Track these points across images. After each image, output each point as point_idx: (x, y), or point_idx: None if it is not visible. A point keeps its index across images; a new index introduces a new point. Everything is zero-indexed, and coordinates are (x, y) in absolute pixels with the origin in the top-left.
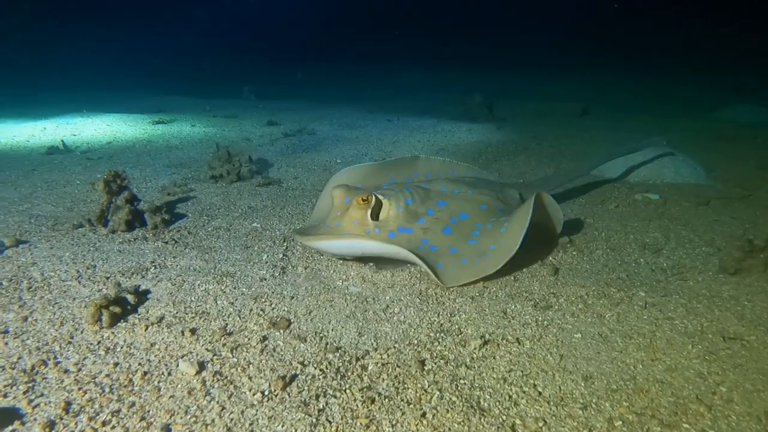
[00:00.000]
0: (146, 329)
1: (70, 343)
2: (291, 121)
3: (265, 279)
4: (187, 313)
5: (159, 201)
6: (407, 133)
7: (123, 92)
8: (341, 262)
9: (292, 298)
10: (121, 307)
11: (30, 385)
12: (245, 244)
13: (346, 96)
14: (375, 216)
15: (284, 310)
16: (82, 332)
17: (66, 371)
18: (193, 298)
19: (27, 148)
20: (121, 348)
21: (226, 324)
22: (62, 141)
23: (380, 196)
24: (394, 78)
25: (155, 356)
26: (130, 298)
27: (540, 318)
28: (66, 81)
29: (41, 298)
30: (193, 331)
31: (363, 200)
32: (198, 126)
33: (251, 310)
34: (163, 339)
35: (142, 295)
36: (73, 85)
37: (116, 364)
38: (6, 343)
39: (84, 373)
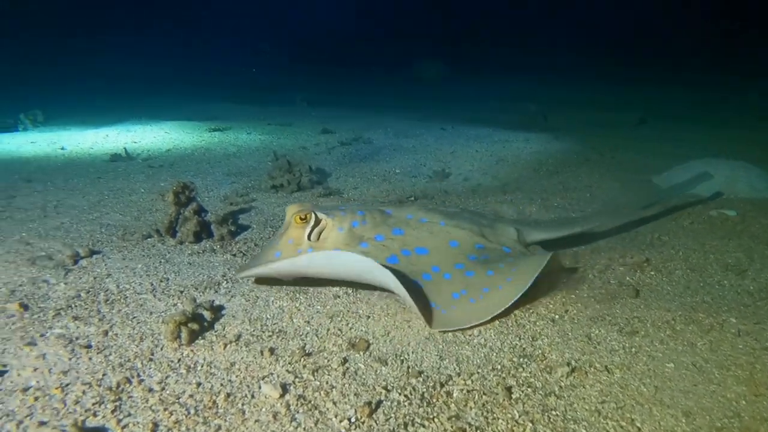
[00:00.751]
0: (225, 347)
1: (151, 360)
2: (345, 129)
3: (339, 296)
4: (264, 332)
5: (223, 211)
6: (464, 143)
7: (177, 100)
8: None
9: (368, 317)
10: (199, 323)
11: (117, 403)
12: None
13: (395, 104)
14: (317, 236)
15: (362, 331)
16: (162, 349)
17: (150, 390)
18: (268, 316)
19: (91, 156)
20: (202, 367)
21: (305, 344)
22: (124, 149)
23: (322, 215)
24: (440, 86)
25: (236, 377)
26: (207, 314)
27: (627, 344)
28: (121, 90)
29: (119, 311)
30: (272, 351)
31: (301, 219)
32: (254, 134)
33: (328, 329)
34: (242, 359)
35: (217, 311)
36: (129, 94)
37: (198, 384)
38: (90, 359)
39: (168, 392)
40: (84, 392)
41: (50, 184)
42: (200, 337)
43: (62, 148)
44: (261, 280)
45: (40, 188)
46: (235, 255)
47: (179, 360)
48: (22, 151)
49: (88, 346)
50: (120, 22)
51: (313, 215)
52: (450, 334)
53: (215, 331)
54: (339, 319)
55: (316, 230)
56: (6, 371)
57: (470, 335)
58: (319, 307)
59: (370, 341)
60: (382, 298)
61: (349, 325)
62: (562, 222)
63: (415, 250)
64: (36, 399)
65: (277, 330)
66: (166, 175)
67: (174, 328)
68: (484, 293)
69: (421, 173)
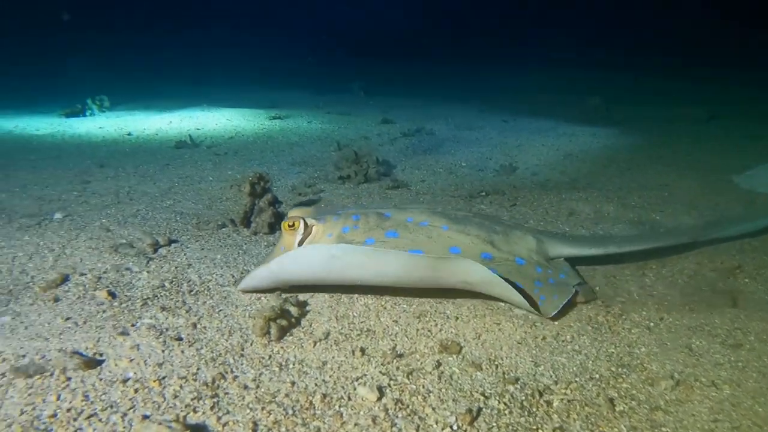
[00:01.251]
0: (314, 345)
1: (242, 355)
2: (405, 119)
3: (424, 295)
4: (352, 330)
5: (293, 201)
6: (528, 136)
7: (237, 88)
8: None
9: (457, 318)
10: (287, 319)
11: (215, 400)
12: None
13: (451, 95)
14: (309, 243)
15: (452, 333)
16: (251, 344)
17: (245, 387)
18: (354, 314)
19: (157, 141)
20: (294, 365)
21: (395, 344)
22: (189, 135)
23: (311, 221)
24: (498, 77)
25: (330, 377)
26: (293, 310)
27: (732, 358)
28: (183, 77)
29: (204, 303)
30: (362, 351)
31: (289, 226)
32: (314, 122)
33: (417, 330)
34: (333, 358)
35: (302, 307)
36: (190, 81)
37: (293, 383)
38: (182, 351)
39: (263, 390)
40: (181, 386)
41: (121, 170)
42: (288, 334)
43: (129, 134)
44: None
45: (112, 174)
46: None
47: (270, 357)
48: (92, 136)
49: (179, 339)
50: (180, 14)
51: (301, 222)
52: (541, 338)
53: (302, 328)
54: (427, 319)
55: (309, 238)
56: (103, 360)
57: (564, 341)
58: (405, 305)
59: (462, 344)
60: (469, 299)
61: (438, 326)
62: (596, 239)
63: (408, 252)
64: (136, 391)
65: (365, 329)
66: (233, 163)
67: (264, 323)
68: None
69: (488, 167)
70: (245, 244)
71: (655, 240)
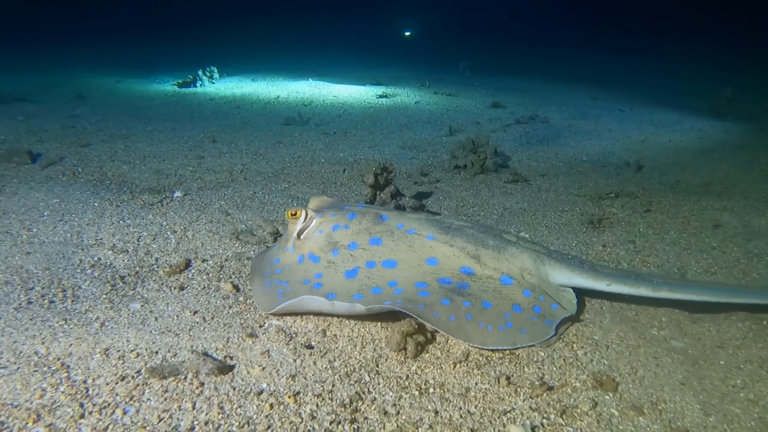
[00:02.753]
0: (454, 367)
1: (378, 373)
2: (515, 103)
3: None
4: (493, 353)
5: (411, 192)
6: (652, 130)
7: (342, 64)
8: (644, 302)
9: (607, 347)
10: (424, 335)
11: (354, 426)
12: None
13: (560, 77)
14: (306, 235)
15: (605, 365)
16: (386, 360)
17: (386, 413)
18: None
19: (265, 116)
20: (434, 389)
21: (543, 374)
22: (298, 112)
23: (312, 213)
24: (610, 62)
25: (475, 408)
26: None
27: None
28: (291, 53)
29: None
30: (508, 379)
31: (292, 215)
32: (421, 103)
33: (565, 358)
34: (476, 384)
35: None
36: (298, 57)
37: (436, 413)
38: (314, 363)
39: (404, 418)
40: (318, 405)
41: (234, 146)
42: (425, 351)
43: (237, 107)
44: None
45: (225, 150)
46: None
47: (408, 377)
48: (203, 108)
49: (310, 347)
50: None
51: (303, 213)
52: (707, 380)
53: (438, 345)
54: (575, 345)
55: (308, 229)
56: (234, 366)
57: (734, 387)
58: None
59: (618, 380)
60: (616, 323)
61: (588, 356)
62: (623, 273)
63: (381, 263)
64: (271, 407)
65: (507, 353)
66: (344, 144)
67: (401, 339)
68: (417, 310)
69: (611, 162)
70: None
71: (716, 292)
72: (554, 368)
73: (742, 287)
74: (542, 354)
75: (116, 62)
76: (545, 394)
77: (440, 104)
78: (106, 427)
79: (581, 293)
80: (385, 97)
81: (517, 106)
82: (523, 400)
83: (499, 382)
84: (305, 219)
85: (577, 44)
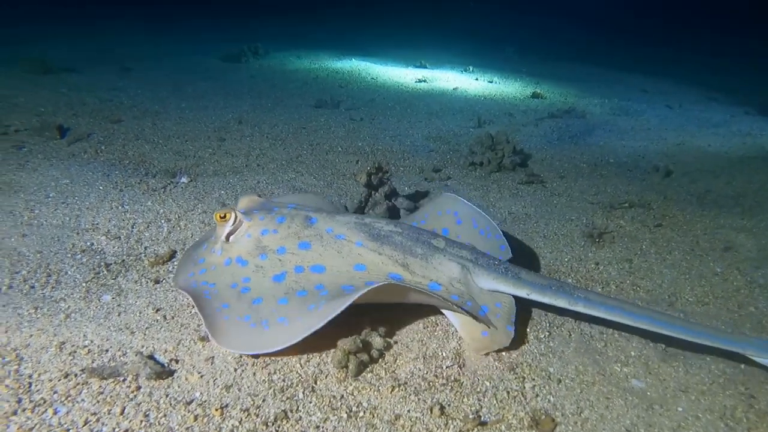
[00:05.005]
0: (392, 391)
1: (313, 390)
2: (557, 93)
3: (528, 341)
4: (438, 377)
5: (416, 188)
6: (693, 131)
7: (386, 41)
8: (617, 333)
9: (559, 381)
10: (368, 354)
11: None
12: None
13: (614, 64)
14: (234, 238)
15: (549, 401)
16: (326, 377)
17: None
18: (445, 354)
19: (299, 96)
20: (364, 413)
21: (480, 407)
22: (330, 95)
23: (241, 216)
24: (676, 54)
25: None
26: (378, 342)
27: None
28: (331, 30)
29: None
30: (442, 409)
31: (221, 217)
32: (459, 90)
33: (509, 391)
34: (408, 412)
35: (390, 336)
36: (338, 33)
37: None
38: (254, 374)
39: None
40: (241, 421)
41: (257, 129)
42: (368, 370)
43: (273, 86)
44: None
45: (248, 132)
46: None
47: (342, 397)
48: (242, 84)
49: (255, 356)
50: None
51: (232, 215)
52: (657, 428)
53: (386, 364)
54: (523, 373)
55: (237, 232)
56: (174, 371)
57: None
58: (503, 352)
59: (557, 420)
60: (579, 354)
61: (535, 389)
62: (547, 283)
63: (309, 268)
64: (195, 419)
65: (452, 378)
66: (366, 132)
67: (342, 356)
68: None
69: (639, 166)
70: None
71: (637, 317)
72: (495, 401)
73: (674, 320)
74: (487, 384)
75: (170, 33)
76: (476, 429)
77: (478, 92)
78: (32, 427)
79: (550, 310)
80: (424, 81)
81: (558, 97)
82: None
83: (432, 412)
84: (234, 221)
85: (643, 33)
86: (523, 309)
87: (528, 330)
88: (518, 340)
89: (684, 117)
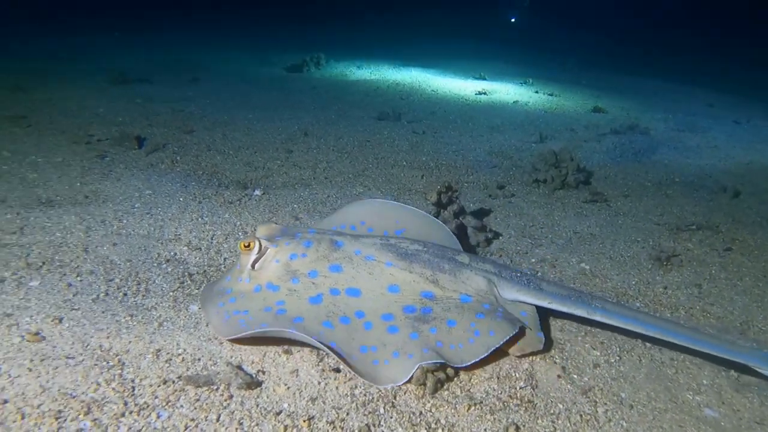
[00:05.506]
0: (468, 410)
1: (393, 405)
2: (619, 108)
3: (599, 365)
4: (512, 398)
5: (481, 204)
6: (763, 148)
7: (445, 53)
8: (687, 360)
9: (631, 407)
10: (445, 372)
11: None
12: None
13: (678, 78)
14: (261, 265)
15: (622, 426)
16: (405, 393)
17: None
18: (518, 374)
19: (361, 109)
20: (443, 430)
21: (554, 428)
22: (392, 108)
23: (266, 243)
24: (742, 68)
25: None
26: None
27: None
28: (389, 39)
29: None
30: (517, 429)
31: (245, 246)
32: (520, 103)
33: (582, 414)
34: (485, 430)
35: None
36: (395, 44)
37: None
38: (337, 388)
39: None
40: None
41: (323, 142)
42: (445, 388)
43: (336, 98)
44: None
45: (314, 145)
46: None
47: (421, 414)
48: (305, 95)
49: (337, 370)
50: None
51: (256, 243)
52: None
53: (461, 382)
54: (598, 400)
55: (262, 259)
56: (263, 382)
57: None
58: (575, 375)
59: None
60: (650, 380)
61: (608, 414)
62: (567, 293)
63: (345, 291)
64: (285, 429)
65: (526, 399)
66: (429, 147)
67: (420, 374)
68: (392, 359)
69: (706, 186)
70: None
71: (662, 328)
72: (568, 424)
73: (683, 329)
74: (561, 406)
75: (234, 42)
76: None
77: (538, 105)
78: (140, 429)
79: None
80: (484, 93)
81: (619, 111)
82: None
83: (507, 431)
84: (259, 250)
85: (707, 45)
86: (593, 332)
87: (599, 354)
88: (591, 363)
89: (753, 134)
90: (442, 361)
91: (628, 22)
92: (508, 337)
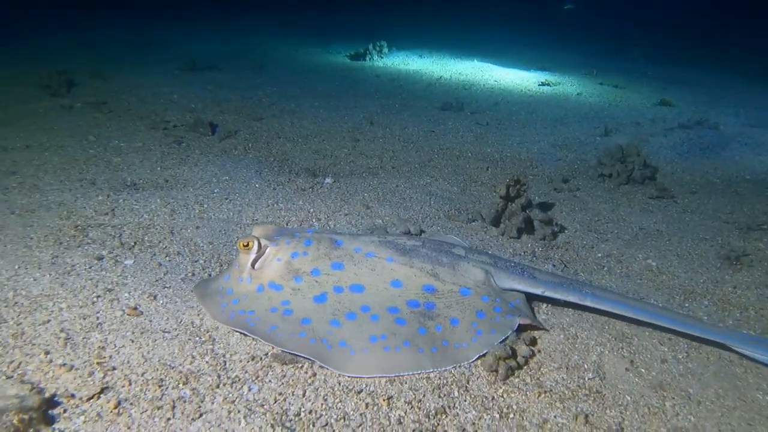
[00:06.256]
0: (538, 396)
1: (467, 389)
2: (686, 101)
3: (667, 361)
4: (580, 388)
5: (547, 198)
6: None
7: (508, 42)
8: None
9: (699, 403)
10: (516, 360)
11: None
12: (639, 290)
13: (752, 70)
14: (261, 265)
15: (690, 420)
16: (477, 378)
17: (463, 430)
18: (587, 366)
19: (425, 99)
20: (514, 415)
21: (623, 419)
22: (455, 98)
23: (265, 242)
24: None
25: None
26: (523, 350)
27: None
28: (451, 28)
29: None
30: (587, 419)
31: (244, 245)
32: (583, 95)
33: (650, 407)
34: (555, 417)
35: (533, 345)
36: (462, 34)
37: None
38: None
39: None
40: (406, 413)
41: (389, 131)
42: (515, 375)
43: (399, 87)
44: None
45: (380, 134)
46: (555, 265)
47: (493, 399)
48: (368, 84)
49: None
50: None
51: (255, 243)
52: None
53: (530, 371)
54: (664, 393)
55: (261, 258)
56: None
57: None
58: (643, 369)
59: None
60: (718, 378)
61: (675, 408)
62: (559, 281)
63: (348, 288)
64: (367, 407)
65: (594, 390)
66: (493, 138)
67: (493, 361)
68: (403, 347)
69: None
70: (492, 247)
71: (648, 311)
72: (636, 416)
73: (665, 312)
74: (628, 398)
75: (298, 30)
76: None
77: (603, 97)
78: (234, 399)
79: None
80: (547, 85)
81: (687, 105)
82: None
83: (576, 420)
84: (258, 248)
85: None
86: (660, 328)
87: (666, 349)
88: (659, 358)
89: None
90: (450, 366)
91: (695, 12)
92: (506, 336)
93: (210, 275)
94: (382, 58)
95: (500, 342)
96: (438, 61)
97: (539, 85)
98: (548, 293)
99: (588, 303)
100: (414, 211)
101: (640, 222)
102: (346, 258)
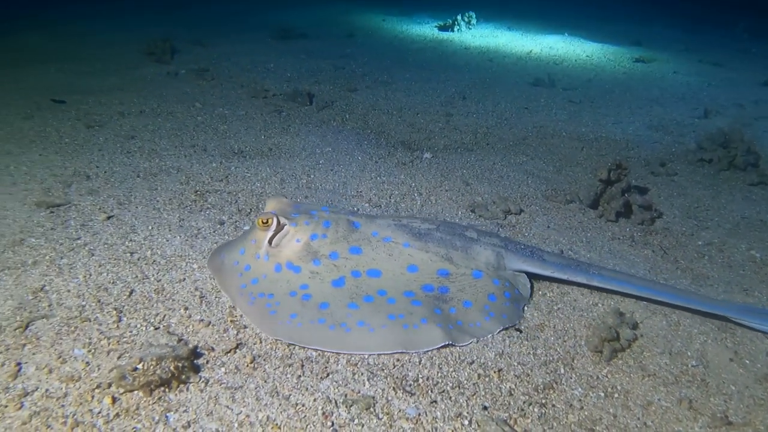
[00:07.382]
0: (642, 379)
1: (572, 368)
2: None
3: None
4: (684, 374)
5: (642, 181)
6: None
7: (600, 15)
8: None
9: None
10: (620, 342)
11: (542, 410)
12: (742, 281)
13: None
14: (278, 242)
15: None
16: (582, 357)
17: (571, 405)
18: (690, 353)
19: (515, 73)
20: (619, 395)
21: (727, 408)
22: (548, 74)
23: (284, 220)
24: None
25: (652, 422)
26: (627, 333)
27: None
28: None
29: (544, 295)
30: (690, 403)
31: (263, 222)
32: (680, 73)
33: (756, 398)
34: (659, 400)
35: (635, 328)
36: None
37: (614, 416)
38: (520, 345)
39: (586, 414)
40: (516, 385)
41: (481, 106)
42: (618, 357)
43: (490, 60)
44: None
45: (473, 109)
46: (654, 252)
47: (598, 378)
48: (458, 57)
49: (519, 330)
50: None
51: (274, 220)
52: None
53: (633, 354)
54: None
55: (279, 235)
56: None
57: None
58: (748, 361)
59: None
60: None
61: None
62: (567, 262)
63: (366, 272)
64: (479, 377)
65: (698, 377)
66: (587, 116)
67: (598, 342)
68: (421, 325)
69: None
70: (590, 229)
71: (651, 289)
72: (741, 405)
73: (670, 288)
74: (733, 388)
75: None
76: (724, 428)
77: (702, 76)
78: (357, 363)
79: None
80: (641, 61)
81: None
82: (700, 428)
83: (680, 404)
84: (277, 226)
85: None
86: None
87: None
88: (764, 351)
89: None
90: (469, 341)
91: None
92: (514, 323)
93: None
94: (470, 29)
95: (508, 327)
96: (527, 33)
97: (633, 61)
98: (557, 274)
99: (595, 283)
100: (512, 190)
101: (743, 210)
102: (363, 242)
